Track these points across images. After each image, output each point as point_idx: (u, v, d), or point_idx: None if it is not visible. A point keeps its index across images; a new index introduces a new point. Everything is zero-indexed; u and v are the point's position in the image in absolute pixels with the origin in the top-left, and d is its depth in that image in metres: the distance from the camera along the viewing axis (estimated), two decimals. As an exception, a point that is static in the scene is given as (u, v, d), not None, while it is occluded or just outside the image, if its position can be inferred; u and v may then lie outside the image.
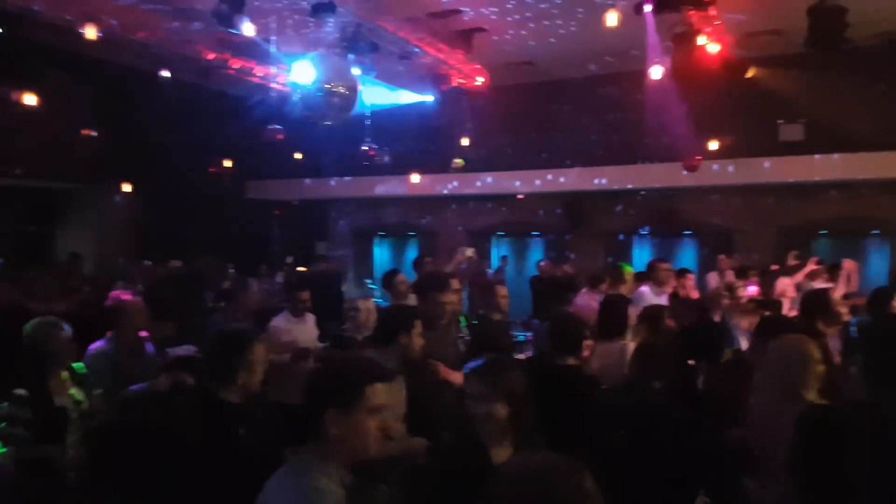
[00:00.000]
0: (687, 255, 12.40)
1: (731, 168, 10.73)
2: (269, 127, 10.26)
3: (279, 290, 8.45)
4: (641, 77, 9.58)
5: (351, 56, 8.56)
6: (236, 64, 9.67)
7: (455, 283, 4.57)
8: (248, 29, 7.71)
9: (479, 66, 10.01)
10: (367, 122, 10.59)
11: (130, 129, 10.83)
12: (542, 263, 10.61)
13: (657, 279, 6.06)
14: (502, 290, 5.53)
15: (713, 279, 7.96)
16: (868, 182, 10.38)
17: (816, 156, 10.33)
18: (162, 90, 9.99)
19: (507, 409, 2.24)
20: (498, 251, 13.36)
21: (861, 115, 10.32)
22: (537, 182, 12.03)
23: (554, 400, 3.19)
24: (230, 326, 3.23)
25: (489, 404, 2.24)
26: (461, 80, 9.98)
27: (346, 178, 13.09)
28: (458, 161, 11.57)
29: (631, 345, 4.17)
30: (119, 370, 4.03)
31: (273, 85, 9.98)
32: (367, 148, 10.58)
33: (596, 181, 11.62)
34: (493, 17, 9.19)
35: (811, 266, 7.19)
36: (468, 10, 8.93)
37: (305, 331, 5.26)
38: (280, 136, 10.20)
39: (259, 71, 9.90)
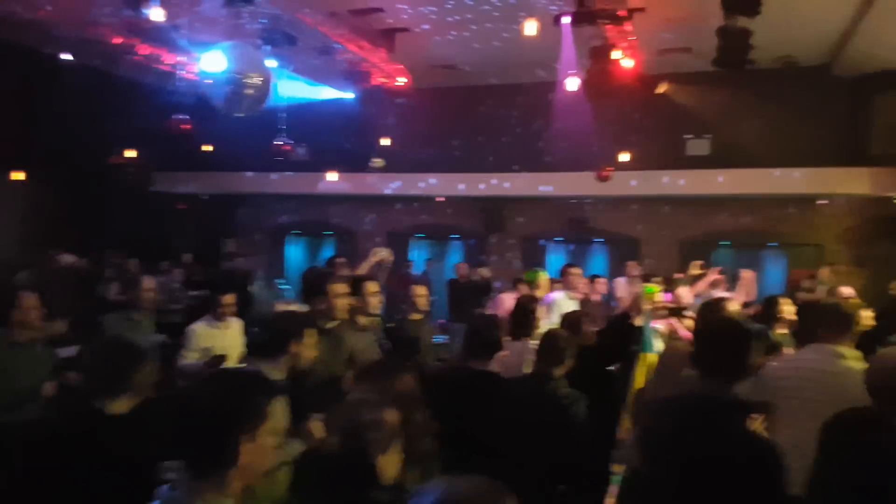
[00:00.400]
0: (598, 261, 12.75)
1: (638, 180, 11.08)
2: (176, 117, 9.77)
3: (177, 289, 8.07)
4: (561, 88, 9.79)
5: (267, 48, 8.31)
6: (144, 50, 9.17)
7: (373, 286, 4.44)
8: (156, 14, 7.34)
9: (401, 67, 9.93)
10: (283, 117, 10.28)
11: (27, 114, 10.11)
12: (459, 267, 10.64)
13: (569, 284, 6.16)
14: (420, 290, 5.45)
15: (620, 285, 8.20)
16: (767, 196, 10.94)
17: (720, 170, 10.79)
18: (63, 75, 9.37)
19: (398, 414, 2.14)
20: (418, 253, 13.31)
21: (762, 134, 10.92)
22: (458, 186, 12.05)
23: (469, 406, 3.22)
24: (122, 337, 2.97)
25: (378, 410, 2.13)
26: (383, 80, 9.86)
27: (260, 174, 12.68)
28: (378, 161, 11.44)
29: (533, 343, 4.24)
30: (7, 368, 3.75)
31: (183, 74, 9.54)
32: (281, 143, 10.27)
33: (512, 186, 11.77)
34: (417, 18, 9.14)
35: (713, 275, 7.46)
36: (391, 9, 8.84)
37: (228, 337, 4.87)
38: (187, 127, 9.74)
39: (168, 59, 9.44)
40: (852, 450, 2.28)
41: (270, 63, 8.55)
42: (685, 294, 6.66)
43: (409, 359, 4.89)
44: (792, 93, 10.88)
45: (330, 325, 4.06)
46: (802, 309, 4.17)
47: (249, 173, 12.76)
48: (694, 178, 10.97)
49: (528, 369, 4.03)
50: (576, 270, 6.33)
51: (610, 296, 8.27)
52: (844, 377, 2.98)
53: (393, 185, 12.18)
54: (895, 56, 9.38)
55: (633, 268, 8.49)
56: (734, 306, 4.37)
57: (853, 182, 10.20)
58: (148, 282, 5.10)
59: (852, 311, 3.23)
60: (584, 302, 6.42)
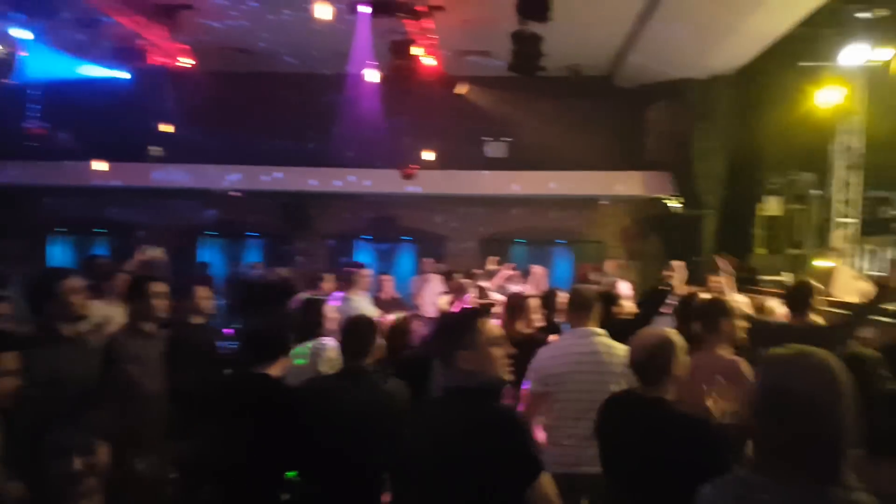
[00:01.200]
0: (406, 259, 12.74)
1: (442, 179, 11.25)
2: None
3: None
4: (362, 80, 9.60)
5: (19, 16, 7.13)
6: None
7: (158, 286, 3.96)
8: None
9: (185, 47, 9.03)
10: (38, 96, 8.88)
11: None
12: (253, 266, 9.98)
13: (359, 284, 5.95)
14: (202, 291, 4.94)
15: (416, 283, 8.19)
16: (555, 197, 11.66)
17: (516, 172, 11.36)
18: None
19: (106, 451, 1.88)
20: (208, 253, 12.33)
21: (553, 138, 11.58)
22: (255, 179, 11.36)
23: (250, 413, 3.03)
24: None
25: (86, 456, 1.88)
26: (163, 60, 8.89)
27: (14, 162, 10.80)
28: (157, 149, 10.34)
29: (327, 341, 4.02)
30: None
31: None
32: (34, 126, 8.85)
33: (312, 182, 11.41)
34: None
35: (507, 271, 7.68)
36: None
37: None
38: None
39: None
40: (625, 429, 2.47)
41: (22, 34, 7.41)
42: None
43: (190, 368, 4.42)
44: (579, 101, 11.69)
45: (71, 329, 3.48)
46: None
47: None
48: (492, 179, 11.42)
49: (323, 368, 3.85)
50: (365, 272, 6.16)
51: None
52: (600, 354, 3.35)
53: (179, 176, 11.15)
54: (666, 69, 10.44)
55: (428, 265, 8.53)
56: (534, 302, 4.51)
57: (630, 184, 11.28)
58: None
59: (591, 295, 3.60)
60: (377, 300, 6.28)
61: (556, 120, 11.72)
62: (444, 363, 2.26)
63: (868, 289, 7.05)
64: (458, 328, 2.29)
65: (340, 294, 5.47)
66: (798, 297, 4.01)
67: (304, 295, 6.32)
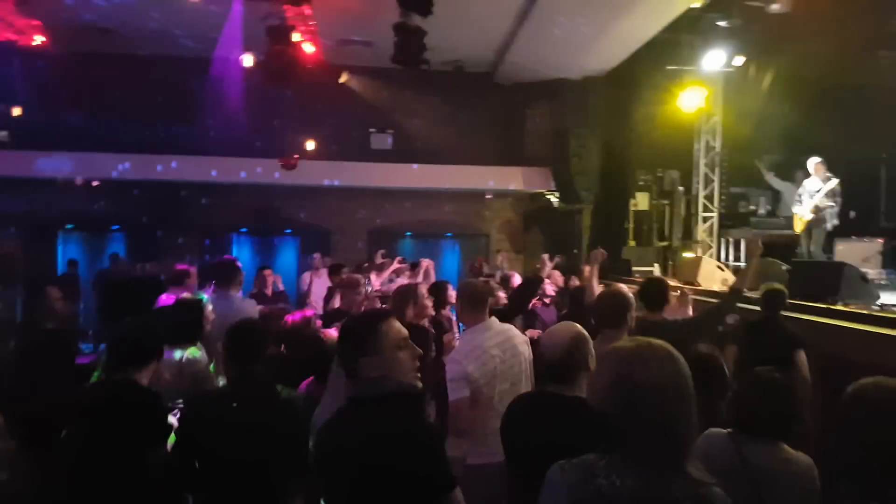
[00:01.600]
0: (288, 254, 12.35)
1: (326, 170, 11.00)
2: None
3: None
4: (239, 66, 9.16)
5: None
6: None
7: None
8: None
9: (37, 23, 8.21)
10: None
11: None
12: (116, 261, 9.31)
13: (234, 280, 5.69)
14: (54, 293, 4.53)
15: (306, 278, 7.97)
16: (442, 191, 11.75)
17: (401, 164, 11.31)
18: None
19: None
20: (68, 248, 11.31)
21: (438, 132, 11.66)
22: (118, 167, 10.55)
23: (114, 425, 2.75)
24: None
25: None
26: (13, 37, 8.04)
27: None
28: (2, 133, 9.37)
29: (196, 351, 3.70)
30: None
31: None
32: None
33: (184, 171, 10.77)
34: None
35: (396, 264, 7.65)
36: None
37: None
38: None
39: None
40: (546, 432, 2.35)
41: None
42: (375, 281, 6.70)
43: (44, 377, 4.07)
44: (463, 96, 11.83)
45: None
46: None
47: None
48: (378, 171, 11.27)
49: (185, 384, 3.50)
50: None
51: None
52: (511, 340, 3.33)
53: (32, 164, 10.12)
54: (542, 69, 10.80)
55: (318, 260, 8.33)
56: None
57: (512, 179, 11.59)
58: None
59: (484, 288, 3.56)
60: (260, 296, 6.03)
61: (441, 114, 11.82)
62: (348, 371, 2.09)
63: (729, 277, 7.69)
64: (360, 332, 2.12)
65: (213, 291, 5.18)
66: (653, 294, 3.93)
67: (174, 293, 5.95)
